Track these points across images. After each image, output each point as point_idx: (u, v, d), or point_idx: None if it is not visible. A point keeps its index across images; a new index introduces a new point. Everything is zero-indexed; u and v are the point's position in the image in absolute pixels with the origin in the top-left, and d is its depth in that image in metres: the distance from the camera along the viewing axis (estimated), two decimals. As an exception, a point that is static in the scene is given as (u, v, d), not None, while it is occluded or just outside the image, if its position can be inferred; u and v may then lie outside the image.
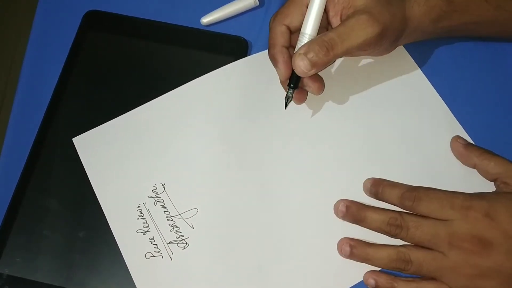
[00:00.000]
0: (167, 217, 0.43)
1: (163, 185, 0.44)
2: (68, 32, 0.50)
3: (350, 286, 0.42)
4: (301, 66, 0.39)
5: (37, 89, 0.49)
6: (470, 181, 0.43)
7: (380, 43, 0.41)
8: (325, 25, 0.43)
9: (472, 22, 0.43)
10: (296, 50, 0.41)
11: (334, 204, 0.43)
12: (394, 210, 0.41)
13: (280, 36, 0.42)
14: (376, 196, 0.43)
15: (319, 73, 0.43)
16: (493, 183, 0.43)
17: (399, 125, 0.46)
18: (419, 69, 0.48)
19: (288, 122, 0.46)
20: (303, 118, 0.46)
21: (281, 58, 0.42)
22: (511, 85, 0.47)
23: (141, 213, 0.44)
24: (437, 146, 0.45)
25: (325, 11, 0.41)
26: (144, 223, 0.43)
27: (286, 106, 0.43)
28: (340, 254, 0.42)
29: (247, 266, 0.42)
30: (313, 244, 0.42)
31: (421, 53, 0.48)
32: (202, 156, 0.45)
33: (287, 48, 0.42)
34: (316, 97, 0.44)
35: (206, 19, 0.50)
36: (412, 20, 0.41)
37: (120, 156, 0.45)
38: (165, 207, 0.44)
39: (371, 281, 0.41)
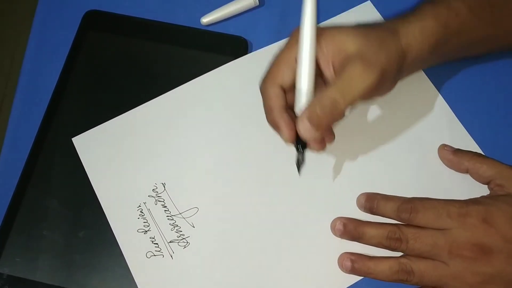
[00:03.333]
0: (167, 216, 0.43)
1: (164, 185, 0.44)
2: (68, 32, 0.50)
3: (349, 285, 0.42)
4: (307, 132, 0.37)
5: (37, 89, 0.49)
6: (472, 182, 0.43)
7: (381, 86, 0.39)
8: (317, 73, 0.39)
9: (469, 43, 0.42)
10: (295, 109, 0.39)
11: (330, 222, 0.43)
12: (391, 223, 0.41)
13: (275, 98, 0.39)
14: (371, 211, 0.42)
15: None
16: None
17: (400, 127, 0.46)
18: (422, 71, 0.48)
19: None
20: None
21: (283, 122, 0.39)
22: None
23: (142, 212, 0.44)
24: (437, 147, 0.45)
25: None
26: (144, 222, 0.43)
27: (299, 171, 0.40)
28: (341, 269, 0.41)
29: (247, 265, 0.42)
30: (313, 244, 0.43)
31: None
32: (203, 155, 0.45)
33: (285, 109, 0.39)
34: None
35: (206, 19, 0.50)
36: (410, 52, 0.39)
37: (120, 156, 0.45)
38: (165, 206, 0.44)
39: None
